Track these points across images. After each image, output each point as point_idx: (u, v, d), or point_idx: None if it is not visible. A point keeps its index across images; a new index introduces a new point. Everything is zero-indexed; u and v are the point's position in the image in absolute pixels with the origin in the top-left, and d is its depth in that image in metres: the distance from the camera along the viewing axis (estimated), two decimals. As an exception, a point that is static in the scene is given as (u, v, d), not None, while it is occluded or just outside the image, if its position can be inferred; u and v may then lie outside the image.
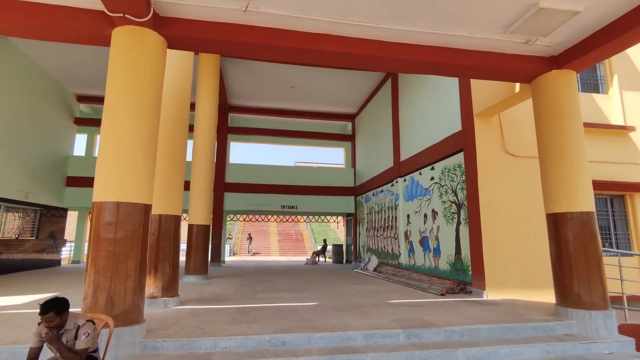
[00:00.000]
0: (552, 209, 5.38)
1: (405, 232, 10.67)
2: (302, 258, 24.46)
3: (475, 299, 6.74)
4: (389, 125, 12.45)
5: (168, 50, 6.52)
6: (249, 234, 30.04)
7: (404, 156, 11.04)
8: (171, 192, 6.08)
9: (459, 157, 7.98)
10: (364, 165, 15.45)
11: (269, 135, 17.10)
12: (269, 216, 19.54)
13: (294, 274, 11.52)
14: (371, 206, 14.08)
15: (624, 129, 8.06)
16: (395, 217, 11.43)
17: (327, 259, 20.00)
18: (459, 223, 7.90)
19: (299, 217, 29.58)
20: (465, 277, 7.58)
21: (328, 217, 20.51)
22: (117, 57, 4.22)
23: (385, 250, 12.25)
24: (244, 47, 4.75)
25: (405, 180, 10.89)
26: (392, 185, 11.84)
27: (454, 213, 8.09)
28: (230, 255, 28.76)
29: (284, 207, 15.89)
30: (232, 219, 18.89)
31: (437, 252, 8.77)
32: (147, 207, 4.18)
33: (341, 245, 17.73)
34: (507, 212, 7.11)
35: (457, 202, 7.97)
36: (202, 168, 9.92)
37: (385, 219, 12.45)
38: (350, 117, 17.19)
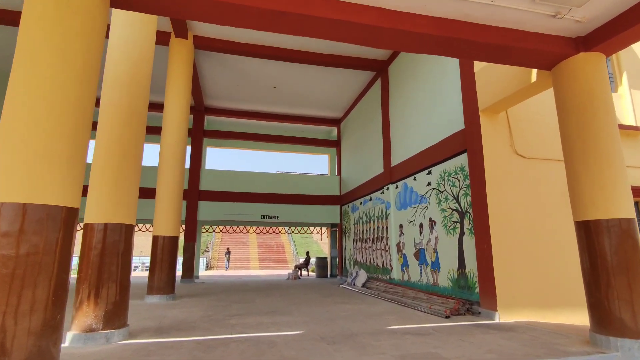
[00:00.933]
0: (584, 215, 4.51)
1: (398, 244, 9.71)
2: (284, 272, 23.16)
3: (486, 322, 5.78)
4: (378, 128, 11.59)
5: (120, 18, 5.47)
6: (227, 248, 28.44)
7: (395, 161, 10.16)
8: (122, 196, 4.90)
9: (462, 159, 7.12)
10: (351, 172, 14.52)
11: (248, 140, 15.99)
12: (248, 227, 18.28)
13: (275, 290, 10.33)
14: (358, 216, 13.10)
15: (636, 129, 7.42)
16: (386, 228, 10.47)
17: (309, 273, 18.83)
18: (462, 233, 6.99)
19: (280, 228, 28.37)
20: (470, 296, 6.63)
21: (311, 228, 19.40)
22: (31, 9, 3.10)
23: (375, 263, 11.24)
24: (212, 6, 3.72)
25: (397, 186, 9.98)
26: (382, 192, 10.92)
27: (456, 222, 7.19)
28: (206, 269, 27.13)
29: (264, 217, 14.72)
30: (207, 230, 17.51)
31: (435, 266, 7.82)
32: (71, 212, 3.03)
33: (325, 259, 16.62)
34: (518, 220, 6.24)
35: (460, 209, 7.07)
36: (170, 172, 8.71)
37: (374, 229, 11.47)
38: (336, 122, 16.31)
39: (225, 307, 7.21)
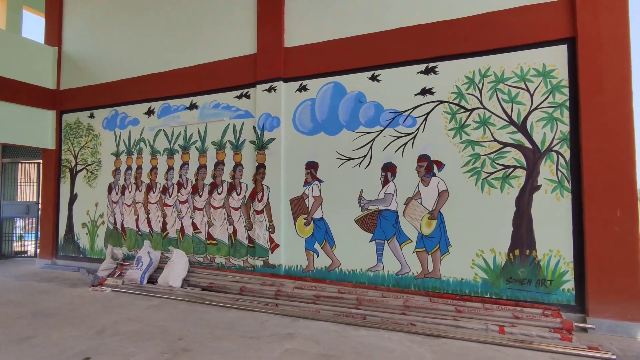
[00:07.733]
0: None
1: (298, 200, 5.01)
2: None
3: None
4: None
5: None
6: None
7: (303, 36, 5.07)
8: None
9: (546, 54, 3.89)
10: (107, 43, 6.90)
11: None
12: None
13: None
14: (136, 138, 6.37)
15: None
16: (260, 167, 5.28)
17: None
18: (529, 189, 3.90)
19: None
20: (547, 296, 3.81)
21: None
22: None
23: (199, 237, 5.67)
24: None
25: (304, 88, 5.04)
26: (243, 96, 5.43)
27: (511, 168, 3.97)
28: None
29: None
30: None
31: (435, 243, 4.25)
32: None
33: (-8, 221, 7.73)
34: None
35: (532, 145, 3.90)
36: None
37: (206, 169, 5.72)
38: None
39: None
